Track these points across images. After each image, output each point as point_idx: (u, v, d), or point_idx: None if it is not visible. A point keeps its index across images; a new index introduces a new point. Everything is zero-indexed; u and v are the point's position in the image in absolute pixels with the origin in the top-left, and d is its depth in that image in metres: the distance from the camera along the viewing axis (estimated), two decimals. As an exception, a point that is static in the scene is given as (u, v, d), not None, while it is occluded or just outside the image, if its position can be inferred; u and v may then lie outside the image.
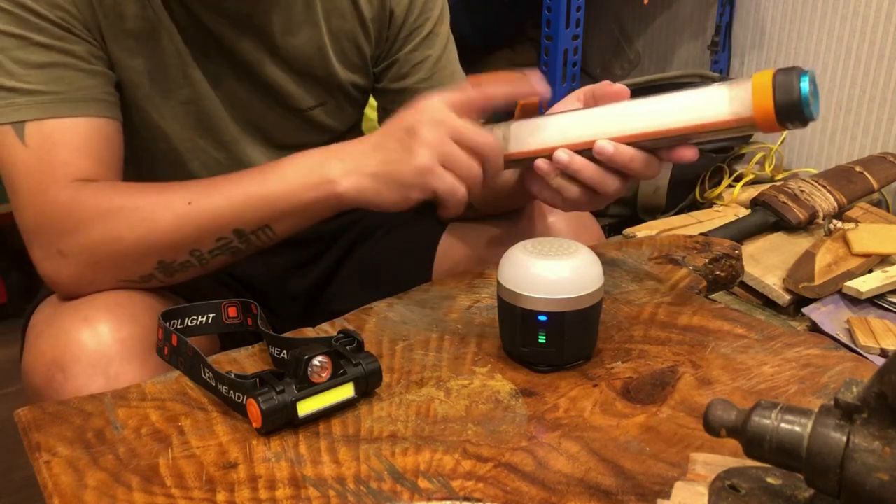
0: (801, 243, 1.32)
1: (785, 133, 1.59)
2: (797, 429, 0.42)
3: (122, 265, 0.72)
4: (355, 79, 0.93)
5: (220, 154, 0.89)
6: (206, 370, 0.61)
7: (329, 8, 0.87)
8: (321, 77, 0.90)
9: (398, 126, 0.71)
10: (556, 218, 0.88)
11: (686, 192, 1.57)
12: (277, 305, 0.96)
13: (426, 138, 0.69)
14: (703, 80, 1.60)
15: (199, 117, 0.86)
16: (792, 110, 0.62)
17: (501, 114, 0.79)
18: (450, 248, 0.95)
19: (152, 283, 0.74)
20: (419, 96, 0.93)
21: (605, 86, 0.72)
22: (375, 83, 0.96)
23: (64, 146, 0.73)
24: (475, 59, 1.91)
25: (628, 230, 1.44)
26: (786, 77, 0.62)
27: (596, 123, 0.69)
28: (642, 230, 1.43)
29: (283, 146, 0.93)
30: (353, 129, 1.02)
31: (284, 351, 0.64)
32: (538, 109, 0.78)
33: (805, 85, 0.61)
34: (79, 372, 0.66)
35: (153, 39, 0.81)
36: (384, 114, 0.99)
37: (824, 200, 1.36)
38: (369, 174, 0.70)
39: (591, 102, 0.73)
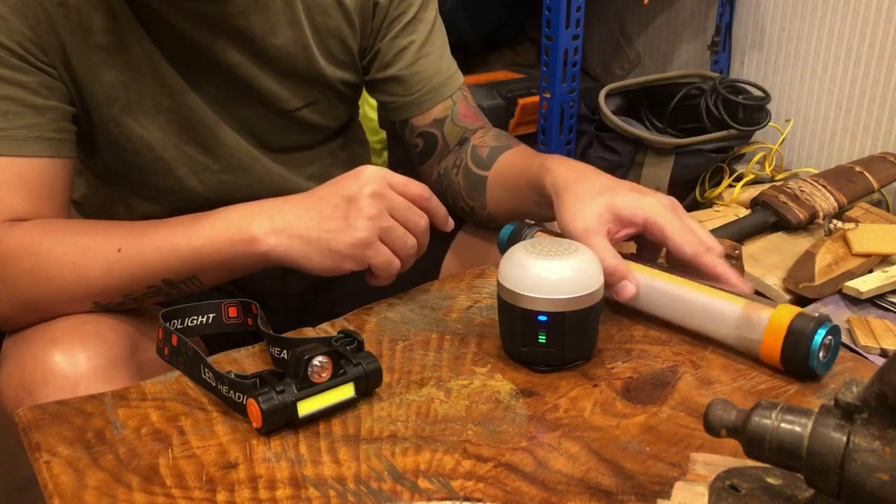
0: (801, 243, 1.32)
1: (785, 133, 1.59)
2: (797, 429, 0.42)
3: (56, 306, 0.71)
4: (343, 75, 0.92)
5: (208, 159, 0.88)
6: (206, 370, 0.61)
7: (311, 5, 0.86)
8: (307, 77, 0.88)
9: (337, 193, 0.70)
10: None
11: (686, 192, 1.57)
12: (276, 305, 0.96)
13: (367, 211, 0.68)
14: (703, 80, 1.60)
15: (181, 124, 0.85)
16: (799, 368, 0.63)
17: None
18: (456, 253, 0.95)
19: (95, 311, 0.73)
20: (406, 84, 0.92)
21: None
22: (364, 76, 0.94)
23: (0, 185, 0.73)
24: (475, 59, 1.91)
25: (627, 241, 1.43)
26: (800, 328, 0.62)
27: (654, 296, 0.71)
28: (642, 230, 1.42)
29: (274, 148, 0.92)
30: (346, 126, 1.01)
31: (284, 351, 0.64)
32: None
33: (818, 338, 0.61)
34: (47, 394, 0.65)
35: (123, 51, 0.79)
36: (382, 109, 0.97)
37: (824, 200, 1.35)
38: (300, 237, 0.69)
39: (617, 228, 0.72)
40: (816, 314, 0.62)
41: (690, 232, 0.70)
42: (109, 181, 0.92)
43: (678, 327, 0.71)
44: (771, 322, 0.63)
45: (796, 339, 0.61)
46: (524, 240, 0.78)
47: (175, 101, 0.83)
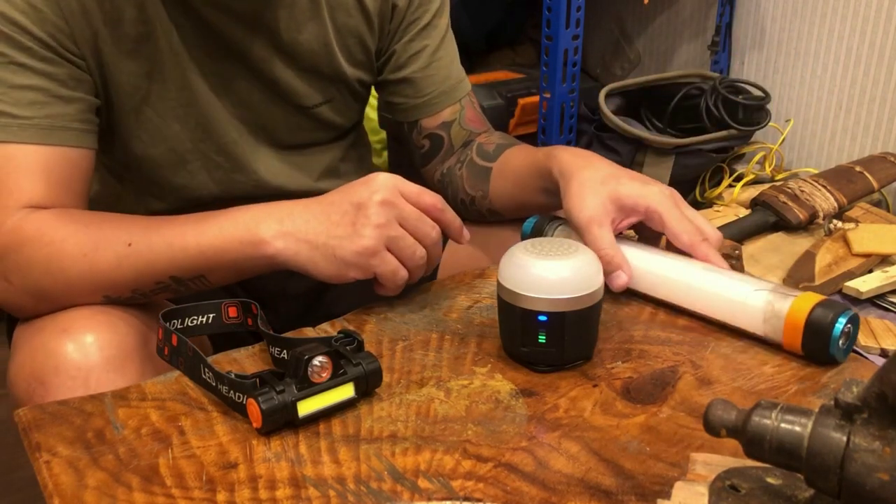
0: (801, 243, 1.32)
1: (785, 133, 1.59)
2: (797, 429, 0.42)
3: (67, 296, 0.71)
4: (360, 75, 0.93)
5: (220, 157, 0.89)
6: (206, 370, 0.61)
7: (334, 4, 0.88)
8: (327, 74, 0.90)
9: (347, 199, 0.69)
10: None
11: (686, 192, 1.57)
12: (277, 305, 0.96)
13: (375, 219, 0.68)
14: (703, 80, 1.60)
15: (198, 120, 0.86)
16: (819, 352, 0.64)
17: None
18: (456, 252, 0.95)
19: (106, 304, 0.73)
20: (418, 86, 0.93)
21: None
22: (377, 77, 0.96)
23: (23, 171, 0.73)
24: (476, 58, 1.91)
25: (628, 230, 1.43)
26: (821, 316, 0.63)
27: (650, 278, 0.74)
28: (642, 230, 1.42)
29: (288, 146, 0.93)
30: (356, 126, 1.02)
31: (284, 351, 0.64)
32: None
33: (839, 326, 0.62)
34: (59, 384, 0.65)
35: (151, 42, 0.80)
36: (386, 108, 0.98)
37: (824, 200, 1.35)
38: (307, 241, 0.69)
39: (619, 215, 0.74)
40: (835, 303, 0.64)
41: (688, 221, 0.72)
42: (122, 178, 0.92)
43: (678, 326, 0.71)
44: (793, 308, 0.64)
45: (818, 325, 0.63)
46: (546, 233, 0.79)
47: (192, 97, 0.84)
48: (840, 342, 0.63)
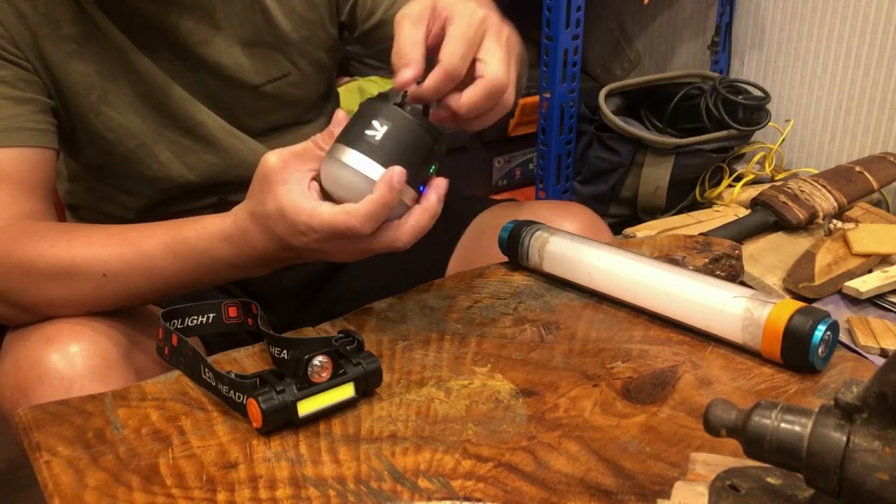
0: (801, 243, 1.32)
1: (785, 133, 1.59)
2: (797, 429, 0.42)
3: (49, 311, 0.70)
4: (312, 36, 0.90)
5: (189, 140, 0.87)
6: (206, 370, 0.61)
7: None
8: (273, 44, 0.87)
9: (279, 246, 0.64)
10: (569, 224, 0.87)
11: (686, 192, 1.57)
12: (274, 301, 0.95)
13: (307, 255, 0.65)
14: (703, 80, 1.60)
15: (157, 108, 0.84)
16: (798, 360, 0.63)
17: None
18: (461, 264, 0.94)
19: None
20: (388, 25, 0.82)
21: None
22: (353, 34, 0.92)
23: None
24: (475, 58, 1.91)
25: (628, 230, 1.43)
26: (799, 324, 0.62)
27: (626, 284, 0.73)
28: (642, 230, 1.43)
29: (260, 132, 0.90)
30: (328, 98, 0.98)
31: (285, 351, 0.64)
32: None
33: (818, 334, 0.62)
34: (41, 393, 0.64)
35: (93, 39, 0.80)
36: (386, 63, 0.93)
37: (824, 200, 1.35)
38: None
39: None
40: (815, 310, 0.63)
41: (467, 31, 0.65)
42: (99, 179, 0.92)
43: (678, 326, 0.71)
44: (771, 315, 0.64)
45: (797, 333, 0.62)
46: (523, 239, 0.78)
47: (148, 85, 0.83)
48: (819, 350, 0.62)
